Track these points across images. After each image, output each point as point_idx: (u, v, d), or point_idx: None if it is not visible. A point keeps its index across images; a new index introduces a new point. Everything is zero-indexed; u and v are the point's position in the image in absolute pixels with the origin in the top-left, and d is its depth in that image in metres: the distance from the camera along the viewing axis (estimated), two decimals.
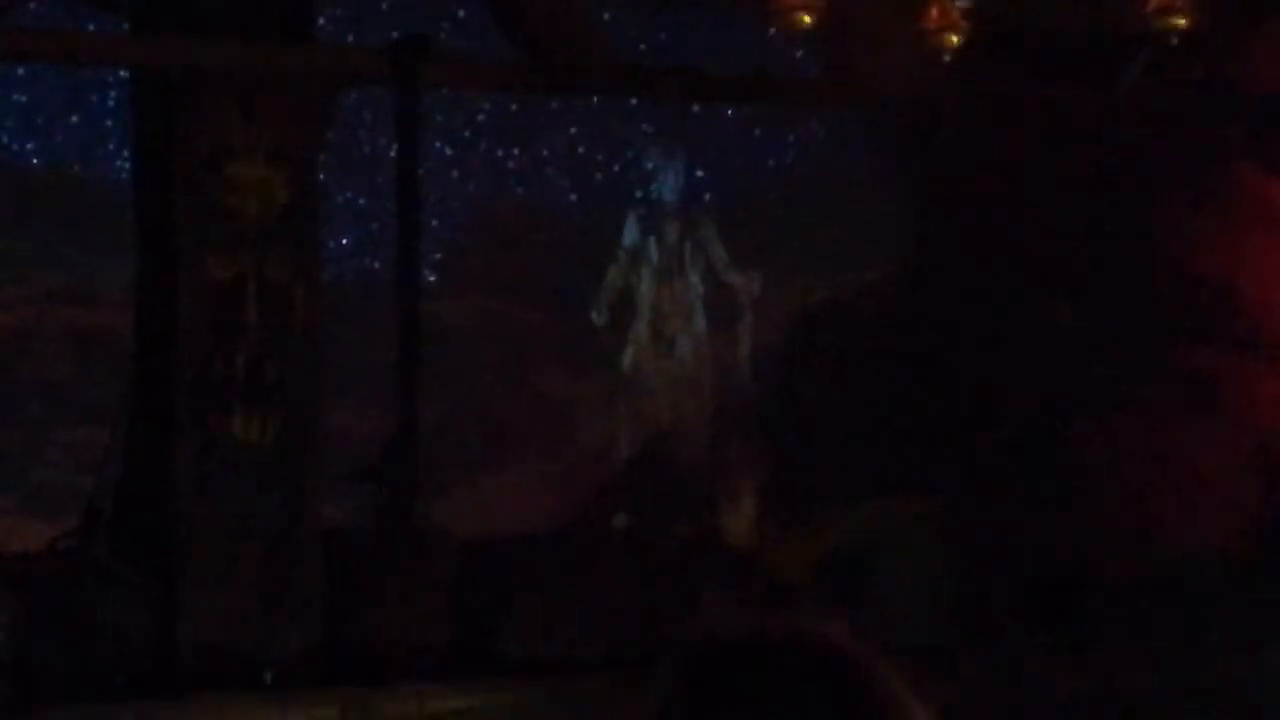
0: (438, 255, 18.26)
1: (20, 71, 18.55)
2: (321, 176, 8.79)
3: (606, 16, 10.29)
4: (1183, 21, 8.47)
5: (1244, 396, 9.06)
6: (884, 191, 11.33)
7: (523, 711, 7.47)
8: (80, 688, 7.40)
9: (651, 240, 13.58)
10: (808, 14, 8.04)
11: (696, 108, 16.02)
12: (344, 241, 19.00)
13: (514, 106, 19.35)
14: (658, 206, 13.70)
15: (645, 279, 13.50)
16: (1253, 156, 9.50)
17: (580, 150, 20.19)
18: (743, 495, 11.02)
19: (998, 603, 8.53)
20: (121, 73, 16.33)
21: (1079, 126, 9.51)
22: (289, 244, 8.31)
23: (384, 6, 17.76)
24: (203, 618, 7.80)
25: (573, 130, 20.08)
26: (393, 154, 9.55)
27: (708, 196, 19.11)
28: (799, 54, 11.59)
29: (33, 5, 9.02)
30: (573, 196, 20.21)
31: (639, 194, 13.95)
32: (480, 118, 20.18)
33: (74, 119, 19.19)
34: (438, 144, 18.92)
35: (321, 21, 9.52)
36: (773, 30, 9.16)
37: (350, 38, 15.23)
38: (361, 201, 18.98)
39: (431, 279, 16.93)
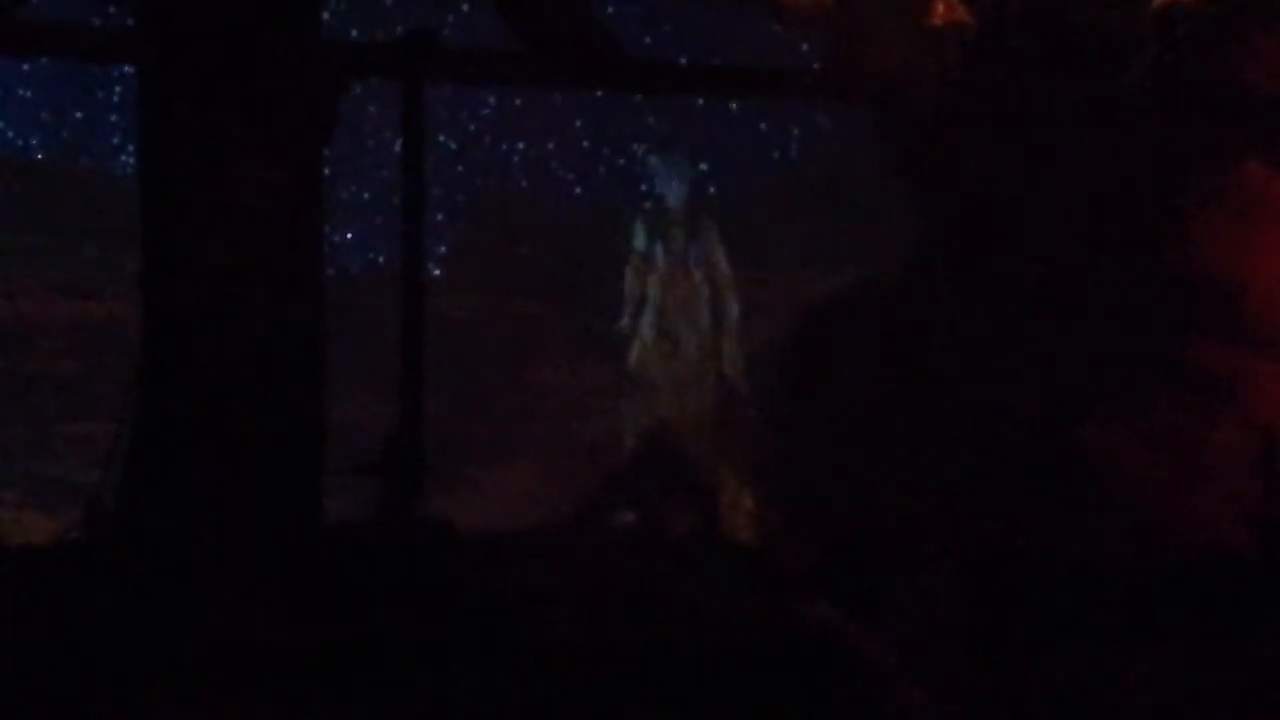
0: (442, 249, 18.27)
1: (25, 67, 18.56)
2: (326, 170, 8.78)
3: (611, 10, 10.29)
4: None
5: (1251, 394, 9.06)
6: (889, 186, 11.32)
7: (527, 706, 7.46)
8: (81, 683, 7.40)
9: (658, 240, 13.74)
10: (813, 8, 8.05)
11: (701, 101, 16.04)
12: (348, 235, 19.01)
13: (518, 100, 19.36)
14: (662, 206, 13.84)
15: (653, 282, 13.70)
16: (1260, 155, 9.51)
17: (585, 144, 20.19)
18: (746, 491, 11.04)
19: (1001, 600, 8.53)
20: (126, 67, 16.37)
21: (1084, 123, 9.51)
22: (293, 238, 8.31)
23: (388, 1, 17.78)
24: (205, 613, 7.80)
25: (577, 124, 20.08)
26: (397, 148, 9.55)
27: (712, 190, 19.13)
28: (804, 48, 11.59)
29: (35, 2, 9.02)
30: (577, 190, 20.21)
31: (644, 194, 14.05)
32: (484, 111, 20.18)
33: (79, 114, 19.19)
34: (442, 138, 18.92)
35: (325, 16, 9.51)
36: (777, 24, 9.18)
37: (354, 32, 15.24)
38: (366, 195, 18.98)
39: (436, 273, 16.94)
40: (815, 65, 11.06)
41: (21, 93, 19.02)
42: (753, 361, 13.16)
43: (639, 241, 13.89)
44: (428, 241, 9.28)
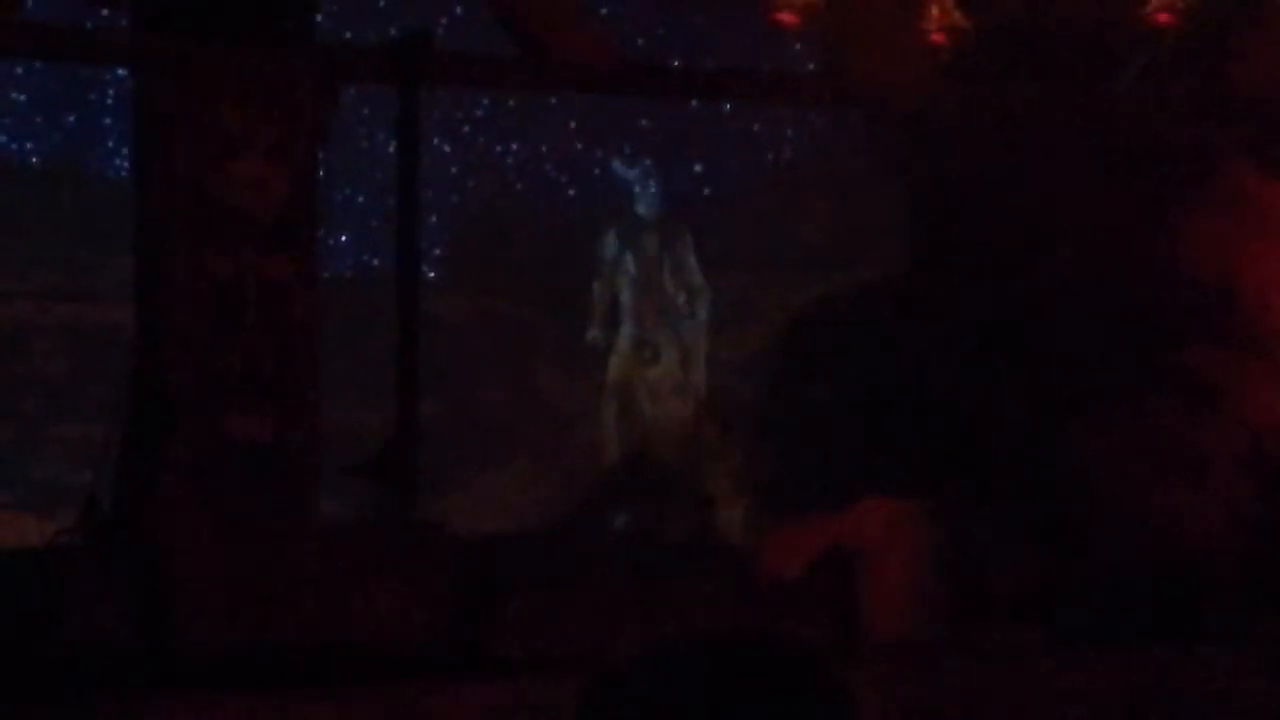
0: (436, 252, 18.25)
1: (18, 70, 18.54)
2: (320, 173, 8.78)
3: (604, 11, 10.30)
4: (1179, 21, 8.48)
5: (1241, 394, 9.07)
6: (882, 189, 11.33)
7: (518, 710, 7.47)
8: (75, 685, 7.40)
9: (627, 250, 13.63)
10: (807, 11, 8.06)
11: (695, 103, 16.01)
12: (343, 238, 19.00)
13: (512, 102, 19.33)
14: (634, 215, 13.73)
15: (626, 290, 13.58)
16: (1249, 157, 9.52)
17: (579, 146, 20.17)
18: (739, 495, 11.04)
19: (994, 601, 8.54)
20: (119, 70, 16.34)
21: (1077, 127, 9.52)
22: (288, 241, 8.31)
23: (381, 3, 17.77)
24: (199, 615, 7.81)
25: (571, 125, 20.06)
26: (391, 150, 9.55)
27: (706, 191, 19.09)
28: (797, 47, 11.57)
29: (30, 3, 9.01)
30: (571, 193, 20.19)
31: (619, 204, 13.98)
32: (479, 113, 20.16)
33: (72, 118, 19.17)
34: (436, 140, 18.90)
35: (319, 18, 9.51)
36: (771, 26, 9.17)
37: (348, 34, 15.23)
38: (360, 199, 18.96)
39: (430, 275, 16.92)
40: (810, 67, 11.04)
41: (15, 96, 19.00)
42: (746, 365, 13.13)
43: (608, 251, 13.77)
44: (421, 244, 9.28)
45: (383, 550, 8.32)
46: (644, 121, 18.98)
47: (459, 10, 16.99)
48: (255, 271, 8.19)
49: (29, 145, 19.10)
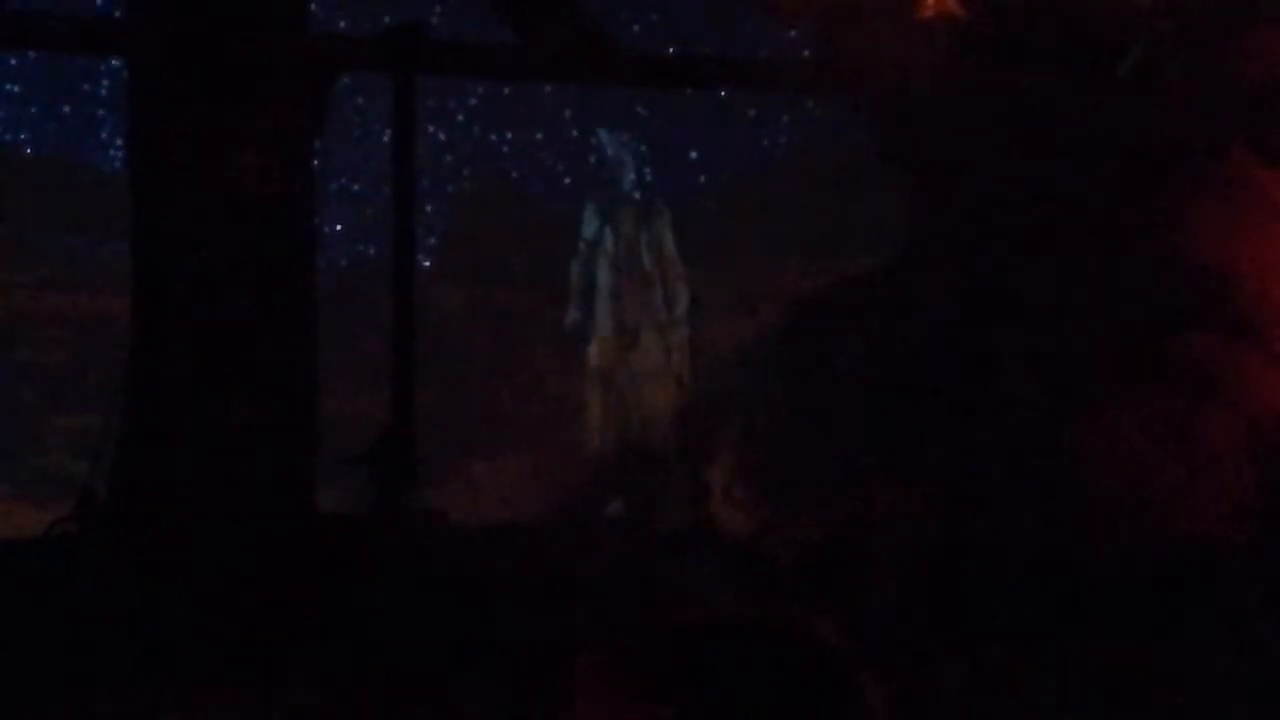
0: (431, 240, 18.27)
1: (12, 61, 18.57)
2: (315, 163, 8.78)
3: None
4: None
5: (1240, 383, 9.07)
6: (878, 177, 11.32)
7: (515, 697, 7.48)
8: (73, 674, 7.41)
9: (608, 228, 13.35)
10: (804, 3, 8.06)
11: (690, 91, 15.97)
12: (338, 227, 19.03)
13: (506, 90, 19.34)
14: (616, 197, 13.46)
15: (604, 270, 13.32)
16: (1249, 147, 9.52)
17: (574, 133, 20.19)
18: (735, 482, 11.02)
19: (993, 590, 8.54)
20: (114, 61, 16.34)
21: (1076, 116, 9.52)
22: (284, 230, 8.32)
23: None
24: (197, 603, 7.82)
25: (566, 113, 20.07)
26: (386, 139, 9.55)
27: (701, 179, 19.10)
28: (792, 33, 11.57)
29: None
30: (567, 180, 20.21)
31: (633, 183, 13.72)
32: (473, 102, 20.18)
33: (66, 109, 19.19)
34: (431, 128, 18.90)
35: (313, 7, 9.52)
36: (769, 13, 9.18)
37: (342, 24, 15.24)
38: (355, 187, 18.99)
39: (426, 264, 16.93)
40: (805, 53, 11.04)
41: (9, 88, 19.03)
42: (744, 354, 13.09)
43: (588, 228, 13.44)
44: (417, 232, 9.28)
45: (380, 538, 8.33)
46: (639, 108, 19.00)
47: None
48: (251, 260, 8.19)
49: (22, 136, 19.14)
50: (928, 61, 8.96)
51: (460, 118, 20.17)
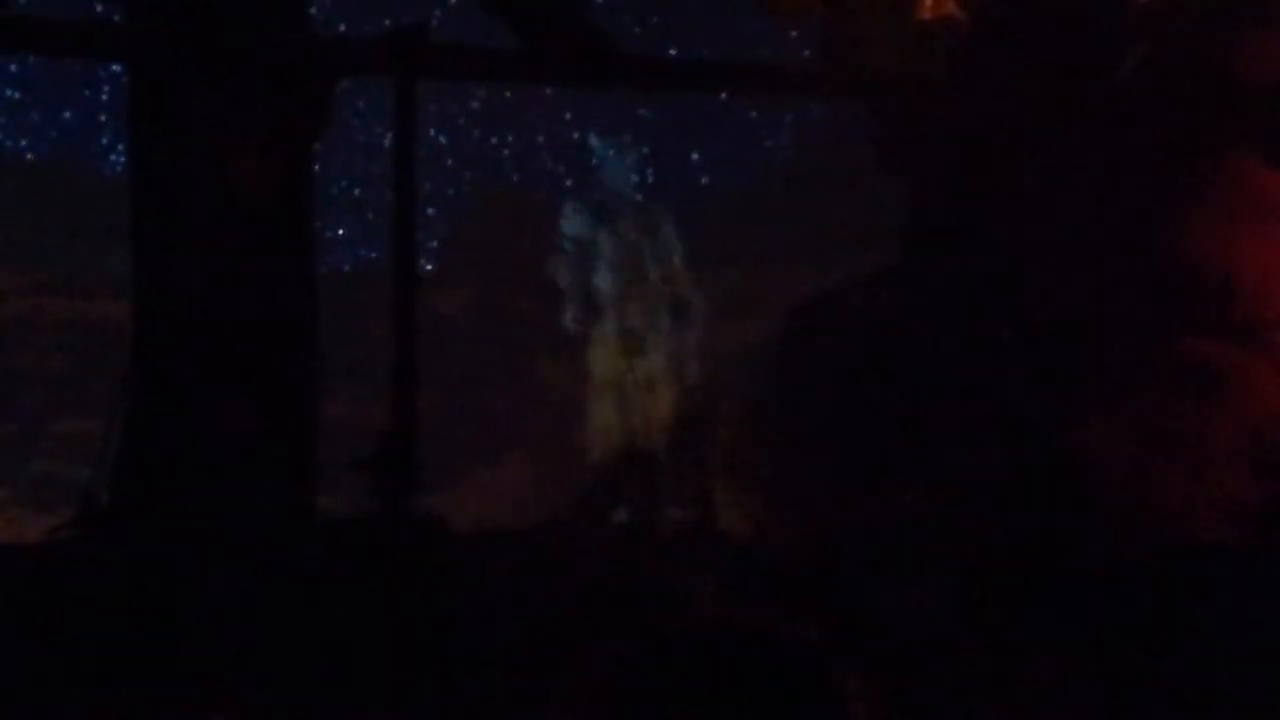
0: (433, 244, 18.29)
1: (13, 68, 18.59)
2: (317, 167, 8.77)
3: (600, 0, 10.27)
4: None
5: (1243, 387, 9.06)
6: (879, 180, 11.31)
7: (517, 702, 7.47)
8: (73, 680, 7.39)
9: (603, 231, 13.15)
10: (803, 2, 8.05)
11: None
12: (340, 231, 19.03)
13: (508, 94, 19.36)
14: (608, 199, 13.26)
15: (604, 274, 13.15)
16: (1251, 149, 9.51)
17: (575, 136, 20.21)
18: (739, 486, 11.01)
19: (995, 594, 8.53)
20: (115, 67, 16.32)
21: (1076, 117, 9.51)
22: (286, 234, 8.30)
23: None
24: (199, 609, 7.80)
25: (567, 116, 20.09)
26: (387, 143, 9.53)
27: (704, 180, 19.09)
28: (793, 34, 11.56)
29: (22, 1, 8.98)
30: (568, 183, 20.23)
31: (634, 185, 13.60)
32: (474, 105, 20.20)
33: (67, 115, 19.21)
34: (432, 132, 18.92)
35: (313, 10, 9.50)
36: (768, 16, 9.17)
37: (342, 27, 15.23)
38: (357, 191, 19.00)
39: (428, 268, 16.93)
40: (805, 54, 11.03)
41: (10, 94, 19.04)
42: (742, 357, 13.05)
43: (570, 226, 13.16)
44: (419, 236, 9.26)
45: (381, 544, 8.31)
46: (642, 111, 19.01)
47: (452, 1, 16.98)
48: (253, 266, 8.18)
49: (24, 143, 19.15)
50: (926, 64, 8.96)
51: (461, 121, 20.21)
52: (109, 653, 7.52)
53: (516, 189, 19.88)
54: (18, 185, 16.95)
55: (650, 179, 13.69)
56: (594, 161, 13.33)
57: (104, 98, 19.00)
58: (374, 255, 18.61)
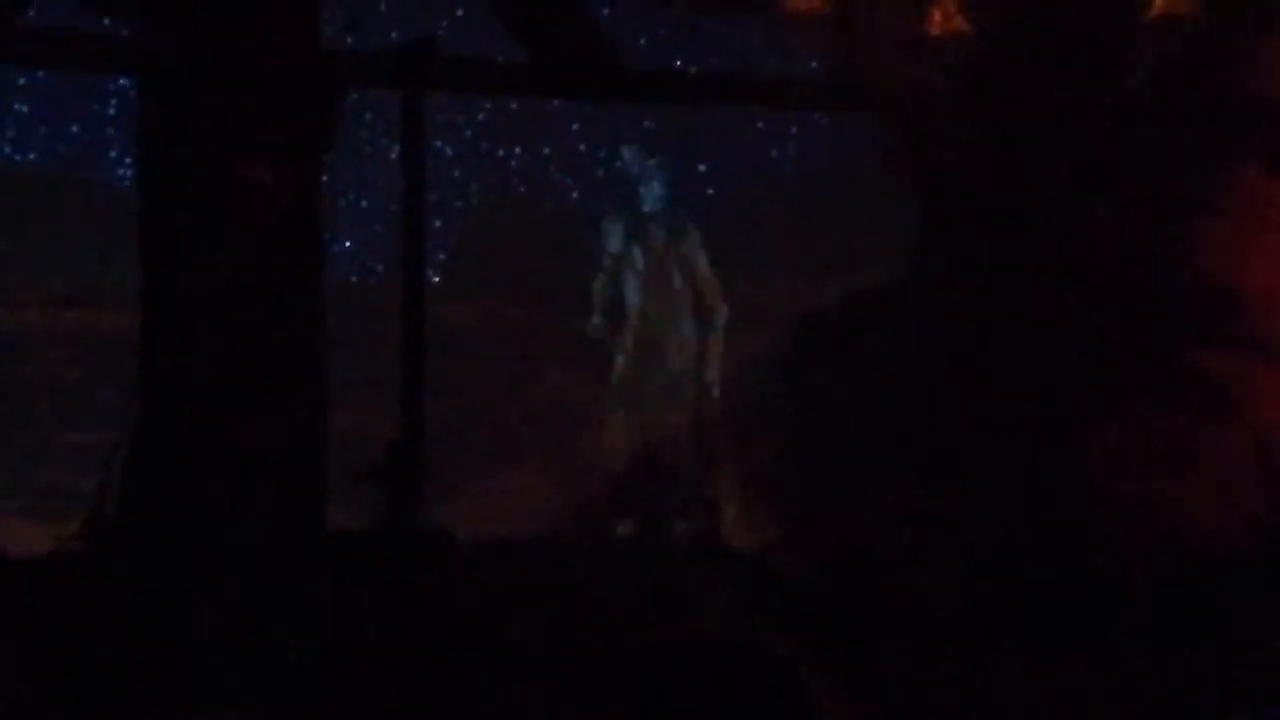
0: (441, 255, 18.27)
1: (21, 81, 18.59)
2: (325, 178, 8.77)
3: (605, 11, 10.29)
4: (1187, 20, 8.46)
5: (1250, 401, 9.06)
6: (889, 191, 11.31)
7: (525, 713, 7.47)
8: (79, 693, 7.39)
9: (634, 242, 13.27)
10: (811, 14, 8.06)
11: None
12: (347, 244, 19.02)
13: (514, 105, 19.35)
14: (641, 211, 13.36)
15: (631, 284, 13.25)
16: (1258, 160, 9.51)
17: (581, 147, 20.19)
18: (747, 497, 11.01)
19: (1003, 602, 8.53)
20: (121, 80, 16.34)
21: (1084, 129, 9.51)
22: (294, 246, 8.30)
23: (382, 7, 17.79)
24: (206, 623, 7.80)
25: (574, 127, 20.08)
26: (394, 155, 9.56)
27: (710, 191, 19.08)
28: (799, 48, 11.55)
29: (32, 13, 9.00)
30: (575, 194, 20.21)
31: (626, 197, 13.68)
32: (481, 116, 20.19)
33: (75, 128, 19.22)
34: (439, 143, 18.91)
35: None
36: (774, 26, 9.18)
37: (349, 39, 15.24)
38: (364, 203, 19.00)
39: (435, 279, 16.94)
40: (813, 64, 11.04)
41: (18, 108, 19.03)
42: (751, 368, 13.05)
43: (612, 243, 13.38)
44: (426, 248, 9.27)
45: (389, 556, 8.31)
46: (647, 122, 19.00)
47: (460, 13, 17.00)
48: (260, 277, 8.18)
49: (31, 156, 19.16)
50: (935, 77, 8.97)
51: (468, 132, 20.19)
52: (116, 665, 7.51)
53: (524, 200, 19.89)
54: (26, 197, 16.97)
55: (669, 191, 13.67)
56: (625, 174, 13.45)
57: (111, 111, 19.01)
58: (381, 267, 18.60)
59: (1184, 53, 9.23)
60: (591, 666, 1.90)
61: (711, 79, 11.99)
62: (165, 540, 7.99)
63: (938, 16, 8.27)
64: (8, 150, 19.14)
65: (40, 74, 17.55)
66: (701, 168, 19.19)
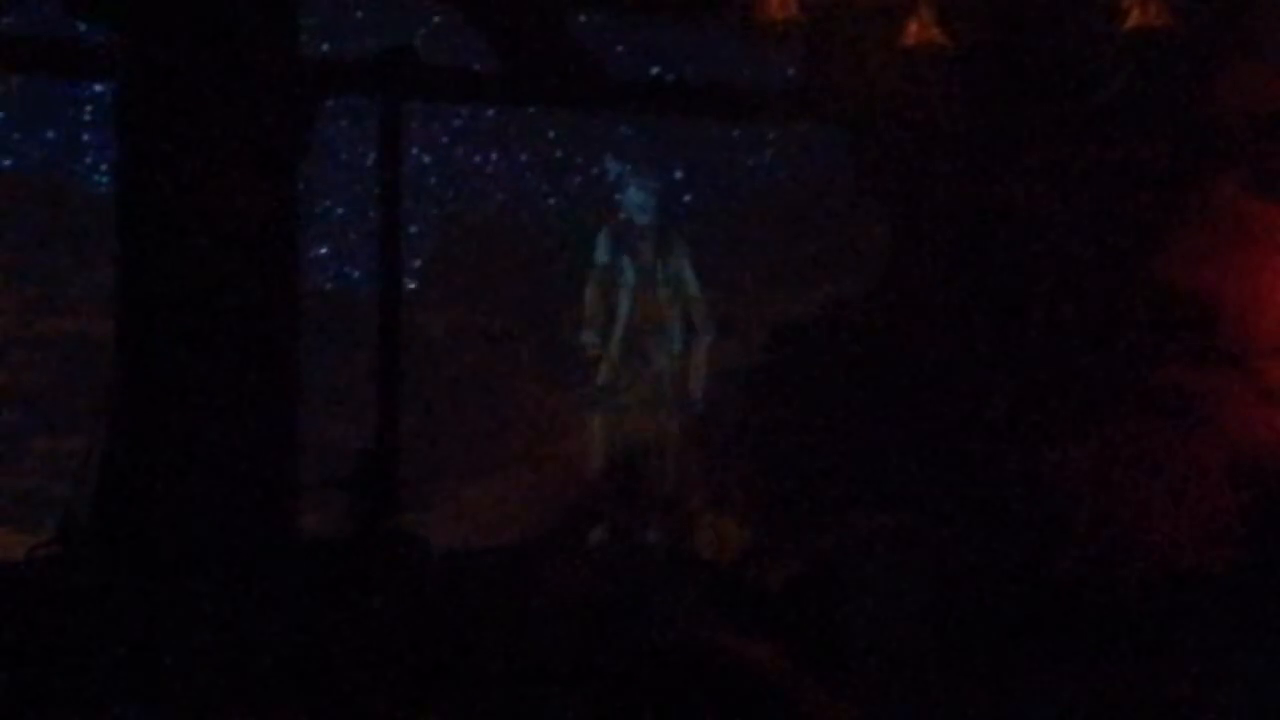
0: (416, 263, 18.24)
1: None
2: (300, 185, 8.77)
3: (582, 19, 10.28)
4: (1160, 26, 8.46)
5: (1224, 412, 9.09)
6: (861, 204, 11.34)
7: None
8: (51, 700, 7.37)
9: (623, 254, 13.27)
10: (786, 25, 8.06)
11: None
12: (323, 251, 18.98)
13: (491, 112, 19.33)
14: (629, 221, 13.36)
15: (620, 295, 13.23)
16: (1235, 175, 9.55)
17: (558, 155, 20.18)
18: (719, 509, 11.01)
19: (974, 617, 8.55)
20: (97, 86, 16.29)
21: (1059, 142, 9.54)
22: (269, 252, 8.30)
23: (359, 14, 17.76)
24: (180, 626, 7.78)
25: (550, 135, 20.07)
26: (369, 163, 9.54)
27: (687, 198, 19.07)
28: (775, 59, 11.56)
29: (8, 20, 8.98)
30: (551, 201, 20.19)
31: (613, 208, 13.66)
32: (457, 124, 20.17)
33: (50, 133, 19.15)
34: (415, 150, 18.88)
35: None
36: (750, 40, 9.18)
37: (324, 46, 15.22)
38: (339, 211, 18.97)
39: (411, 286, 16.90)
40: (790, 73, 11.04)
41: None
42: (725, 380, 13.05)
43: (601, 254, 13.38)
44: (403, 255, 9.26)
45: (362, 563, 8.30)
46: (624, 129, 19.00)
47: (436, 20, 16.97)
48: (235, 284, 8.17)
49: (7, 162, 19.08)
50: (910, 90, 8.98)
51: (444, 140, 20.17)
52: (86, 673, 7.50)
53: (500, 208, 19.87)
54: (1, 202, 16.90)
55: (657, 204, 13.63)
56: (614, 184, 13.44)
57: (87, 118, 18.95)
58: (356, 274, 18.57)
59: (1161, 68, 9.26)
60: (585, 675, 1.90)
61: (689, 89, 11.99)
62: (138, 545, 7.98)
63: (914, 28, 8.28)
64: None
65: (15, 79, 17.47)
66: (677, 175, 19.19)
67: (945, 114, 9.41)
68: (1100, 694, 7.60)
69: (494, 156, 20.39)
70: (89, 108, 18.86)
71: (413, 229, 17.69)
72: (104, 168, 18.07)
